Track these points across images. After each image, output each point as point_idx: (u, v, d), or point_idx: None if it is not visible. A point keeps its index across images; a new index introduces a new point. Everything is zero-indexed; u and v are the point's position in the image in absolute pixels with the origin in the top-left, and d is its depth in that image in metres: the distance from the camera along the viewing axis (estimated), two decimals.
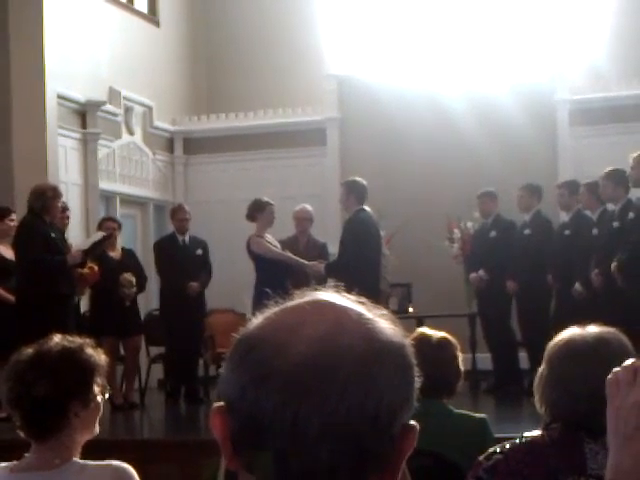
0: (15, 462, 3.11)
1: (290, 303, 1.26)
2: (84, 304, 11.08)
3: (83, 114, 13.07)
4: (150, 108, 14.41)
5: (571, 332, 2.88)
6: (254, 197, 10.87)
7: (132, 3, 14.61)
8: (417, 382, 1.25)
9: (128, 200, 14.09)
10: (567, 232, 10.75)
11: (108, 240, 10.42)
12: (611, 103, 13.44)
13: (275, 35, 15.03)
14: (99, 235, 10.27)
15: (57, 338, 3.12)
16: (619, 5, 13.95)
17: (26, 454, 3.12)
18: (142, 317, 11.54)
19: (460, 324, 10.63)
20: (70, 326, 8.55)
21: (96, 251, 10.02)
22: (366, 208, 10.19)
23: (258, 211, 10.56)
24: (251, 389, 1.19)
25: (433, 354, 3.96)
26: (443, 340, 4.23)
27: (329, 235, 11.81)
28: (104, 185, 13.33)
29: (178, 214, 11.57)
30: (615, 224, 10.00)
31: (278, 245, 10.63)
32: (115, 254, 11.02)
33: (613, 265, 9.66)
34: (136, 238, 13.98)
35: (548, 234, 10.98)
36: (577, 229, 10.60)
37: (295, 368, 1.17)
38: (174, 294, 11.07)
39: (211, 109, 15.29)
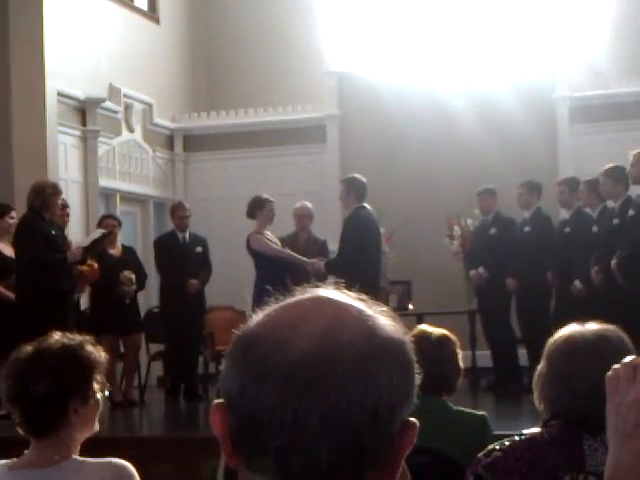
0: (14, 459, 3.12)
1: (290, 300, 1.26)
2: (84, 302, 11.08)
3: (83, 111, 13.07)
4: (150, 105, 14.41)
5: (570, 329, 2.88)
6: (254, 194, 10.87)
7: (132, 0, 14.61)
8: (417, 379, 1.25)
9: (128, 197, 14.09)
10: (567, 229, 10.75)
11: (108, 237, 10.42)
12: (611, 100, 13.44)
13: (275, 32, 15.03)
14: (99, 232, 10.27)
15: (57, 335, 3.12)
16: (619, 2, 13.95)
17: (25, 451, 3.12)
18: (142, 315, 11.54)
19: (460, 321, 10.64)
20: (70, 324, 8.55)
21: (96, 249, 10.01)
22: (366, 205, 10.19)
23: (258, 208, 10.56)
24: (251, 386, 1.19)
25: (433, 351, 3.96)
26: (443, 337, 4.23)
27: (329, 232, 11.80)
28: (104, 182, 13.32)
29: (178, 211, 11.57)
30: (615, 221, 10.00)
31: (278, 242, 10.63)
32: (115, 252, 11.02)
33: (613, 262, 9.66)
34: (136, 235, 13.98)
35: (548, 231, 10.98)
36: (577, 226, 10.60)
37: (295, 365, 1.17)
38: (174, 291, 11.07)
39: (211, 106, 15.29)
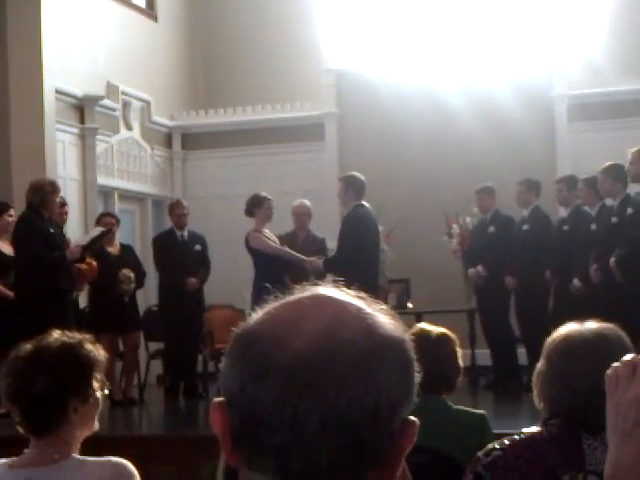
0: (14, 458, 3.11)
1: (290, 298, 1.26)
2: (83, 300, 11.07)
3: (81, 109, 13.06)
4: (148, 103, 14.40)
5: (569, 328, 2.88)
6: (252, 192, 10.86)
7: None
8: (417, 377, 1.25)
9: (126, 195, 14.08)
10: (566, 227, 10.75)
11: (107, 236, 10.41)
12: (609, 98, 13.45)
13: (273, 30, 15.02)
14: (98, 231, 10.27)
15: (56, 334, 3.12)
16: (617, 0, 13.94)
17: (25, 450, 3.12)
18: (141, 313, 11.54)
19: (459, 320, 10.63)
20: (69, 322, 8.55)
21: (95, 247, 10.01)
22: (364, 203, 10.19)
23: (256, 206, 10.55)
24: (251, 384, 1.19)
25: (433, 350, 3.96)
26: (442, 336, 4.22)
27: (328, 230, 11.80)
28: (102, 180, 13.32)
29: (176, 209, 11.57)
30: (614, 219, 9.99)
31: (276, 240, 10.63)
32: (114, 250, 11.01)
33: (612, 260, 9.66)
34: (134, 233, 13.98)
35: (546, 229, 10.98)
36: (576, 224, 10.60)
37: (295, 363, 1.17)
38: (173, 290, 11.07)
39: (209, 104, 15.28)
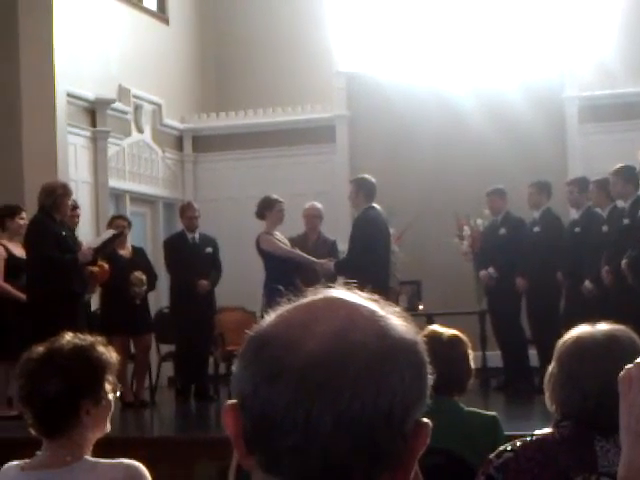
0: (27, 460, 3.12)
1: (302, 300, 1.26)
2: (94, 302, 11.09)
3: (93, 112, 13.09)
4: (159, 106, 14.43)
5: (581, 330, 2.87)
6: (263, 195, 10.87)
7: (141, 1, 14.63)
8: (430, 379, 1.25)
9: (138, 198, 14.11)
10: (577, 229, 10.73)
11: (119, 238, 10.43)
12: (620, 100, 13.44)
13: (284, 32, 15.03)
14: (110, 233, 10.28)
15: (68, 336, 3.13)
16: (628, 2, 13.93)
17: (38, 452, 3.12)
18: (152, 315, 11.54)
19: (470, 321, 10.61)
20: (81, 324, 8.57)
21: (106, 249, 10.03)
22: (375, 206, 10.19)
23: (267, 209, 10.55)
24: (264, 386, 1.19)
25: (444, 352, 3.95)
26: (454, 338, 4.22)
27: (339, 232, 11.79)
28: (114, 183, 13.35)
29: (187, 212, 11.57)
30: (625, 221, 9.98)
31: (287, 242, 10.63)
32: (125, 252, 11.03)
33: (623, 262, 9.64)
34: (146, 236, 14.00)
35: (558, 231, 10.96)
36: (587, 226, 10.58)
37: (307, 365, 1.17)
38: (184, 292, 11.07)
39: (220, 107, 15.30)
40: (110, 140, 13.27)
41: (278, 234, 10.61)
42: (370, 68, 14.71)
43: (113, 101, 13.29)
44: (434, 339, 3.98)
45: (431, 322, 8.93)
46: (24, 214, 10.06)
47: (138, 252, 11.33)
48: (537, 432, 2.86)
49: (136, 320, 10.70)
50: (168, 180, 14.82)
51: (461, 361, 4.15)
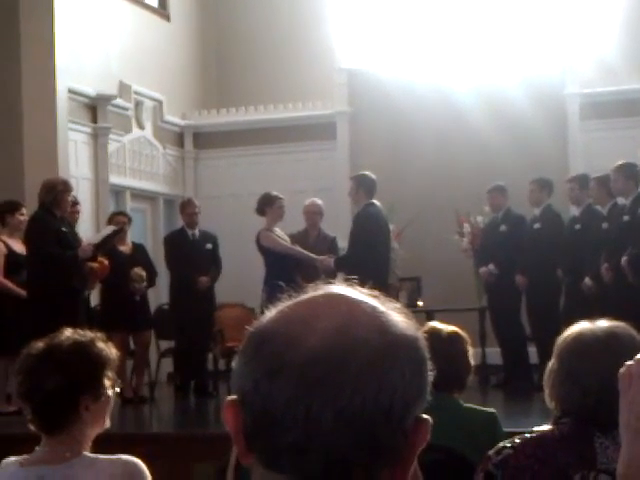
0: (26, 456, 3.12)
1: (303, 296, 1.26)
2: (94, 298, 11.08)
3: (93, 108, 13.09)
4: (160, 102, 14.43)
5: (581, 326, 2.87)
6: (264, 191, 10.87)
7: None
8: (430, 375, 1.25)
9: (138, 194, 14.11)
10: (577, 226, 10.72)
11: (119, 234, 10.43)
12: (621, 96, 13.43)
13: (285, 29, 15.03)
14: (110, 229, 10.28)
15: (68, 332, 3.13)
16: None
17: (37, 448, 3.12)
18: (152, 311, 11.54)
19: (469, 318, 10.60)
20: (81, 320, 8.57)
21: (107, 245, 10.02)
22: (375, 202, 10.19)
23: (267, 205, 10.55)
24: (264, 382, 1.19)
25: (444, 348, 3.95)
26: (454, 334, 4.22)
27: (339, 229, 11.80)
28: (114, 179, 13.35)
29: (187, 208, 11.57)
30: (626, 218, 9.97)
31: (287, 239, 10.62)
32: (125, 248, 11.03)
33: (624, 259, 9.64)
34: (146, 232, 14.00)
35: (558, 228, 10.95)
36: (587, 223, 10.57)
37: (308, 361, 1.17)
38: (184, 288, 11.07)
39: (221, 103, 15.30)
40: (111, 136, 13.27)
41: (278, 230, 10.61)
42: (371, 64, 14.71)
43: (114, 97, 13.29)
44: (434, 335, 3.98)
45: (431, 318, 8.92)
46: (24, 210, 10.06)
47: (138, 248, 11.33)
48: (536, 429, 2.86)
49: (136, 316, 10.70)
50: (169, 176, 14.83)
51: (461, 358, 4.15)
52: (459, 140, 13.65)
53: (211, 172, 14.99)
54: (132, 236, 11.62)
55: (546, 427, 2.85)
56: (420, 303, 11.81)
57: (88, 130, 12.97)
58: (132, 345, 11.03)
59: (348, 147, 14.52)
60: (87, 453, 3.08)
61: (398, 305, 1.27)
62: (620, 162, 10.20)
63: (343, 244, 10.78)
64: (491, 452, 2.82)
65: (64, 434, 3.06)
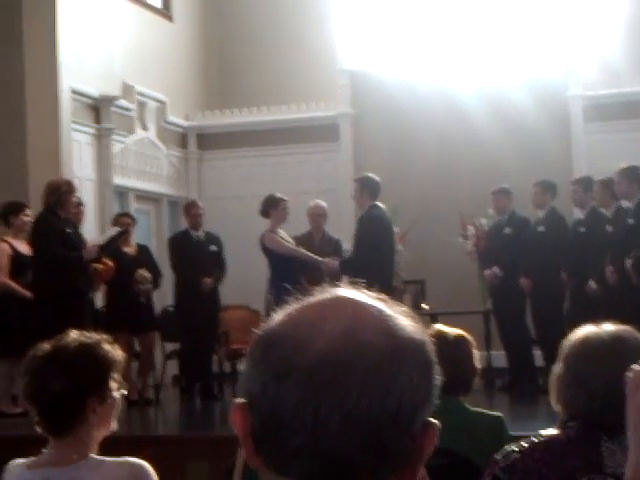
0: (32, 458, 3.12)
1: (311, 299, 1.26)
2: (99, 300, 11.08)
3: (97, 109, 13.09)
4: (164, 103, 14.42)
5: (587, 330, 2.87)
6: (268, 193, 10.86)
7: None
8: (438, 379, 1.25)
9: (142, 196, 14.11)
10: (582, 229, 10.71)
11: (124, 236, 10.44)
12: (625, 99, 13.42)
13: (288, 30, 15.03)
14: (115, 230, 10.29)
15: (74, 334, 3.13)
16: (632, 1, 13.91)
17: (43, 450, 3.13)
18: (157, 313, 11.54)
19: (474, 321, 10.60)
20: (86, 322, 8.58)
21: (111, 247, 10.03)
22: (379, 204, 10.19)
23: (272, 207, 10.55)
24: (272, 385, 1.19)
25: (450, 351, 3.94)
26: (459, 337, 4.21)
27: (343, 231, 11.80)
28: (118, 180, 13.35)
29: (191, 210, 11.57)
30: (630, 221, 9.97)
31: (291, 241, 10.62)
32: (130, 250, 11.02)
33: (628, 262, 9.63)
34: (150, 234, 13.99)
35: (562, 231, 10.94)
36: (592, 226, 10.56)
37: (316, 364, 1.17)
38: (189, 290, 11.07)
39: (225, 104, 15.30)
40: (114, 137, 13.27)
41: (282, 232, 10.61)
42: (374, 66, 14.71)
43: (117, 98, 13.29)
44: (440, 339, 3.97)
45: (435, 321, 8.91)
46: (28, 211, 10.06)
47: (143, 250, 11.33)
48: (543, 432, 2.85)
49: (140, 318, 10.70)
50: (172, 178, 14.83)
51: (467, 361, 4.15)
52: (462, 142, 13.65)
53: (215, 173, 14.99)
54: (136, 237, 11.62)
55: (552, 431, 2.85)
56: (424, 306, 11.80)
57: (91, 131, 12.97)
58: (137, 347, 11.02)
59: (351, 149, 14.52)
60: (94, 455, 3.08)
61: (405, 309, 1.27)
62: (624, 165, 10.19)
63: (347, 246, 10.78)
64: (498, 456, 2.82)
65: (71, 436, 3.06)
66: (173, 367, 12.24)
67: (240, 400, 1.24)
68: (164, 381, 11.89)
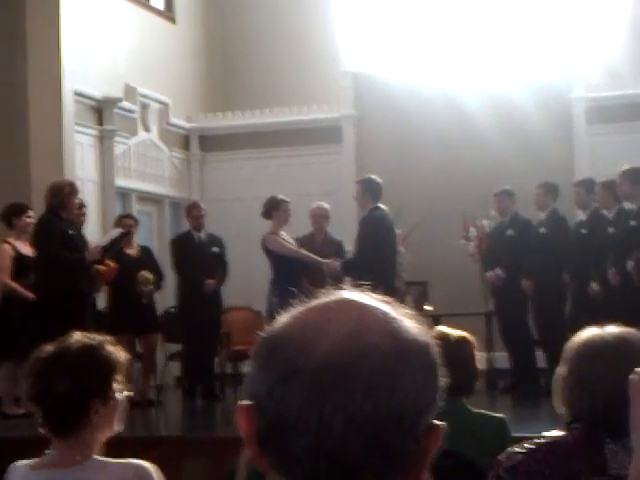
0: (36, 459, 3.13)
1: (316, 302, 1.27)
2: (101, 301, 11.08)
3: (99, 111, 13.10)
4: (166, 105, 14.43)
5: (590, 332, 2.87)
6: (270, 194, 10.87)
7: (148, 0, 14.64)
8: (442, 381, 1.25)
9: (144, 197, 14.12)
10: (584, 231, 10.71)
11: (126, 237, 10.45)
12: (627, 101, 13.42)
13: (291, 32, 15.04)
14: (117, 232, 10.30)
15: (77, 335, 3.13)
16: (635, 2, 13.91)
17: (47, 451, 3.13)
18: (159, 314, 11.53)
19: (476, 322, 10.59)
20: (88, 323, 8.58)
21: (114, 248, 10.04)
22: (381, 206, 10.19)
23: (274, 209, 10.56)
24: (277, 387, 1.20)
25: (453, 353, 3.94)
26: (462, 339, 4.21)
27: (345, 232, 11.80)
28: (120, 182, 13.36)
29: (193, 211, 11.58)
30: (632, 222, 9.97)
31: (293, 242, 10.63)
32: (133, 251, 11.03)
33: (630, 264, 9.63)
34: (152, 235, 14.00)
35: (564, 232, 10.94)
36: (594, 228, 10.56)
37: (320, 366, 1.18)
38: (191, 291, 11.08)
39: (227, 106, 15.30)
40: (117, 139, 13.29)
41: (284, 234, 10.61)
42: (377, 68, 14.71)
43: (120, 100, 13.31)
44: (442, 340, 3.97)
45: (437, 323, 8.92)
46: (31, 212, 10.07)
47: (145, 251, 11.34)
48: (547, 434, 2.85)
49: (143, 319, 10.70)
50: (175, 179, 14.83)
51: (469, 363, 4.15)
52: (465, 144, 13.65)
53: (217, 175, 15.00)
54: (138, 239, 11.62)
55: (555, 432, 2.85)
56: (427, 307, 11.79)
57: (94, 133, 12.99)
58: (139, 348, 11.02)
59: (354, 150, 14.52)
60: (98, 457, 3.08)
61: (410, 311, 1.28)
62: (626, 167, 10.19)
63: (349, 247, 10.78)
64: (502, 457, 2.82)
65: (74, 438, 3.06)
66: (175, 368, 12.25)
67: (245, 402, 1.24)
68: (166, 382, 11.90)
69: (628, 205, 10.30)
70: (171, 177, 14.75)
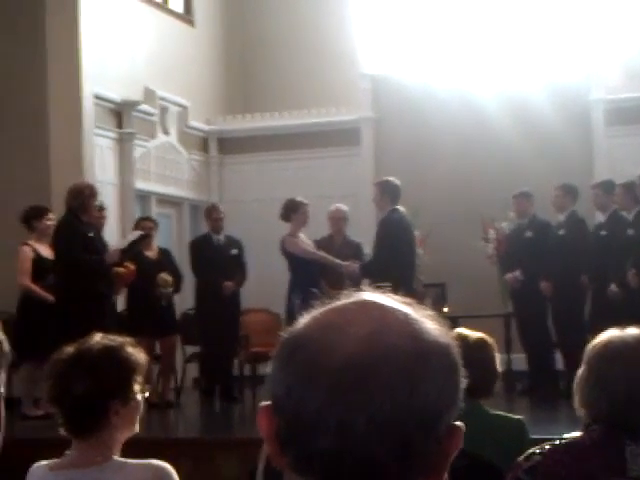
0: (55, 460, 3.14)
1: (336, 303, 1.27)
2: (120, 303, 11.11)
3: (119, 114, 13.14)
4: (185, 108, 14.46)
5: (610, 333, 2.87)
6: (288, 197, 10.88)
7: (167, 3, 14.67)
8: (463, 382, 1.25)
9: (163, 200, 14.15)
10: (603, 232, 10.69)
11: (145, 239, 10.47)
12: None
13: (309, 34, 15.05)
14: (137, 234, 10.33)
15: (98, 337, 3.14)
16: None
17: (66, 452, 3.14)
18: (177, 316, 11.56)
19: (494, 324, 10.56)
20: (108, 325, 8.60)
21: (133, 250, 10.06)
22: (399, 208, 10.19)
23: (292, 211, 10.57)
24: (297, 388, 1.20)
25: (472, 355, 3.93)
26: (481, 341, 4.20)
27: (363, 234, 11.78)
28: (140, 185, 13.39)
29: (212, 214, 11.59)
30: None
31: (312, 244, 10.64)
32: (152, 254, 11.05)
33: None
34: (171, 238, 14.03)
35: (583, 234, 10.91)
36: (613, 229, 10.53)
37: (341, 367, 1.18)
38: (209, 293, 11.08)
39: (246, 109, 15.33)
40: (136, 142, 13.32)
41: (302, 236, 10.62)
42: (395, 70, 14.71)
43: (139, 103, 13.34)
44: (461, 342, 3.96)
45: (456, 325, 8.89)
46: (51, 215, 10.12)
47: (164, 253, 11.35)
48: (567, 435, 2.85)
49: (162, 321, 10.72)
50: (194, 182, 14.86)
51: (488, 364, 4.14)
52: (483, 145, 13.63)
53: (236, 177, 15.01)
54: (157, 241, 11.64)
55: (576, 434, 2.85)
56: (445, 309, 11.77)
57: (113, 135, 13.02)
58: (158, 350, 11.05)
59: (372, 153, 14.52)
60: (117, 457, 3.09)
61: (431, 312, 1.28)
62: None
63: (368, 250, 10.78)
64: (521, 459, 2.82)
65: (94, 438, 3.07)
66: (193, 370, 12.26)
67: (266, 402, 1.25)
68: (184, 384, 11.92)
69: None
70: (190, 179, 14.78)
